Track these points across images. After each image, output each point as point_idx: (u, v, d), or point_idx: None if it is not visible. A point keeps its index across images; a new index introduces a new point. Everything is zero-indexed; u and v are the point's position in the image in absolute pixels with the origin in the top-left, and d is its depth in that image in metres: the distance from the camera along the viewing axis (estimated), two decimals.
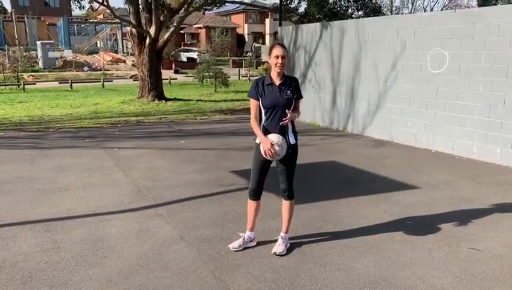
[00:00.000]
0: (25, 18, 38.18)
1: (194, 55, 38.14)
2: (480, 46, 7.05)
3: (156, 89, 15.47)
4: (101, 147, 8.10)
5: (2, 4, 47.96)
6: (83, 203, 5.14)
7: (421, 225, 4.51)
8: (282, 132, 3.70)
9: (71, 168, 6.67)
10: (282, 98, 3.68)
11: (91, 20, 44.99)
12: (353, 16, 21.80)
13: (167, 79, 22.61)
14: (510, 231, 4.36)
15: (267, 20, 52.30)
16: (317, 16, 19.94)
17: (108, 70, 31.28)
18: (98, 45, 41.14)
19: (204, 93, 18.53)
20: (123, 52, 40.18)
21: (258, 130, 3.73)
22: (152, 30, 14.86)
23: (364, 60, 9.20)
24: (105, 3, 15.06)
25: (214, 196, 5.40)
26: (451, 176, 6.32)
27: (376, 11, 22.59)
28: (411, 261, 3.74)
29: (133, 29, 15.25)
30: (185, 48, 42.49)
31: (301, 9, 22.72)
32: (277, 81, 3.72)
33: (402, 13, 44.38)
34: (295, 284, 3.35)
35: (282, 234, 3.96)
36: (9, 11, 44.99)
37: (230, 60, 38.51)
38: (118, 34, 41.40)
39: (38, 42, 31.98)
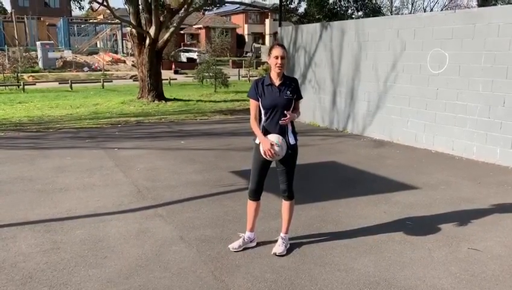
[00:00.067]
0: (25, 18, 38.21)
1: (194, 55, 38.18)
2: (480, 47, 7.06)
3: (156, 90, 15.47)
4: (101, 148, 8.10)
5: (2, 4, 48.07)
6: (82, 203, 5.14)
7: (421, 225, 4.51)
8: (282, 132, 3.70)
9: (71, 168, 6.67)
10: (282, 98, 3.68)
11: (91, 21, 45.03)
12: (353, 16, 21.82)
13: (167, 79, 22.63)
14: (510, 231, 4.36)
15: (267, 21, 52.31)
16: (317, 16, 19.96)
17: (108, 70, 31.30)
18: (98, 46, 41.16)
19: (204, 93, 18.54)
20: (123, 53, 40.20)
21: (257, 131, 3.73)
22: (152, 30, 14.87)
23: (364, 60, 9.20)
24: (105, 3, 15.06)
25: (213, 196, 5.40)
26: (451, 176, 6.32)
27: (376, 12, 22.62)
28: (411, 261, 3.73)
29: (133, 30, 15.26)
30: (185, 48, 42.53)
31: (301, 10, 22.77)
32: (277, 82, 3.72)
33: (402, 13, 44.38)
34: (295, 285, 3.35)
35: (282, 234, 3.96)
36: (9, 11, 45.03)
37: (230, 61, 38.54)
38: (118, 34, 41.42)
39: (38, 43, 32.00)
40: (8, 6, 49.39)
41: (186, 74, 29.38)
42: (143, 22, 15.45)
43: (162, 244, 4.03)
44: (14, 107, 14.43)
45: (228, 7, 42.80)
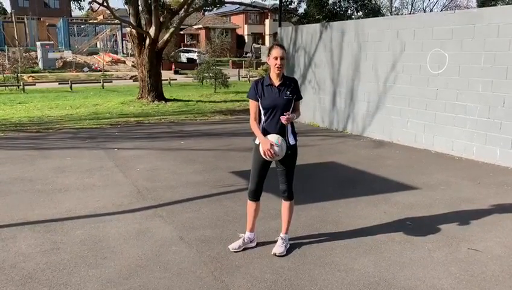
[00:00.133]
0: (25, 19, 38.23)
1: (194, 56, 38.19)
2: (480, 47, 7.06)
3: (156, 90, 15.47)
4: (101, 148, 8.10)
5: (2, 5, 48.18)
6: (82, 204, 5.14)
7: (421, 226, 4.51)
8: (282, 132, 3.70)
9: (71, 168, 6.67)
10: (282, 99, 3.69)
11: (91, 21, 45.04)
12: (353, 16, 21.84)
13: (167, 80, 22.64)
14: (510, 231, 4.36)
15: (267, 21, 52.35)
16: (316, 17, 19.97)
17: (108, 71, 31.31)
18: (98, 46, 41.15)
19: (204, 94, 18.54)
20: (123, 53, 40.20)
21: (257, 131, 3.73)
22: (152, 31, 14.87)
23: (364, 60, 9.21)
24: (105, 4, 15.07)
25: (213, 197, 5.40)
26: (450, 176, 6.32)
27: (375, 12, 22.64)
28: (411, 261, 3.74)
29: (133, 30, 15.26)
30: (185, 48, 42.55)
31: (301, 10, 22.80)
32: (276, 82, 3.73)
33: (401, 14, 44.42)
34: (295, 285, 3.35)
35: (282, 234, 3.96)
36: (9, 11, 45.04)
37: (230, 61, 38.56)
38: (118, 34, 41.40)
39: (38, 43, 32.01)
40: (8, 7, 49.46)
41: (186, 74, 29.40)
42: (143, 22, 15.46)
43: (161, 245, 4.04)
44: (14, 108, 14.43)
45: (228, 7, 42.87)
